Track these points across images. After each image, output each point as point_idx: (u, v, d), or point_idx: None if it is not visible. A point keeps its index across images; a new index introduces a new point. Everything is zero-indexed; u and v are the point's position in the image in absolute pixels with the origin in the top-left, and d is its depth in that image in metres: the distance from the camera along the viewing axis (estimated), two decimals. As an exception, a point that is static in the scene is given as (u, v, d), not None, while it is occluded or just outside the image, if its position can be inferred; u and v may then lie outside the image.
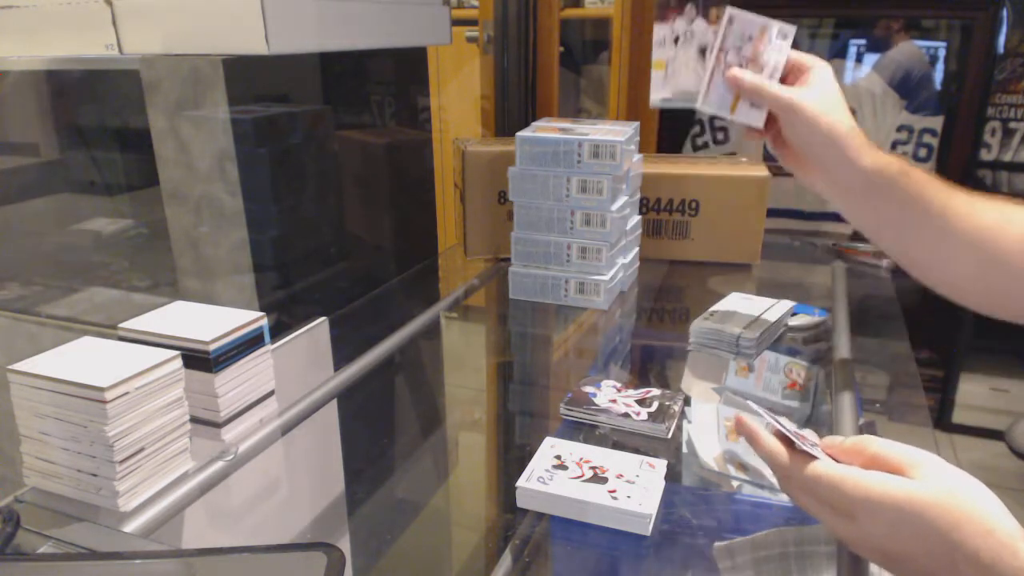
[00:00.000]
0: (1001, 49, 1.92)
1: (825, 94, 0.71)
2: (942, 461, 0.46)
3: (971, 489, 0.45)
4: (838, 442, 0.52)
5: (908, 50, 2.00)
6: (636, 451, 0.71)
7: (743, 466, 0.72)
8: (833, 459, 0.50)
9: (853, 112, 0.71)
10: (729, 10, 0.75)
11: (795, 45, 0.75)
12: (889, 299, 1.15)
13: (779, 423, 0.53)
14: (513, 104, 1.53)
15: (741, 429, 0.55)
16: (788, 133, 0.74)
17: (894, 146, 1.99)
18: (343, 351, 0.94)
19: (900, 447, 0.48)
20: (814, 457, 0.50)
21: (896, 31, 2.00)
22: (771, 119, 0.77)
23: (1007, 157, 1.98)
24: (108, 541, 0.56)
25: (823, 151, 0.70)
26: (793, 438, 0.51)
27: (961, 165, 1.99)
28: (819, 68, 0.73)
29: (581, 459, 0.68)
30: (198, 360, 0.67)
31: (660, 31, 0.79)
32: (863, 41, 2.03)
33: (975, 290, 0.68)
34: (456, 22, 1.21)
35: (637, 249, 1.19)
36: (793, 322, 1.00)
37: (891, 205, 0.69)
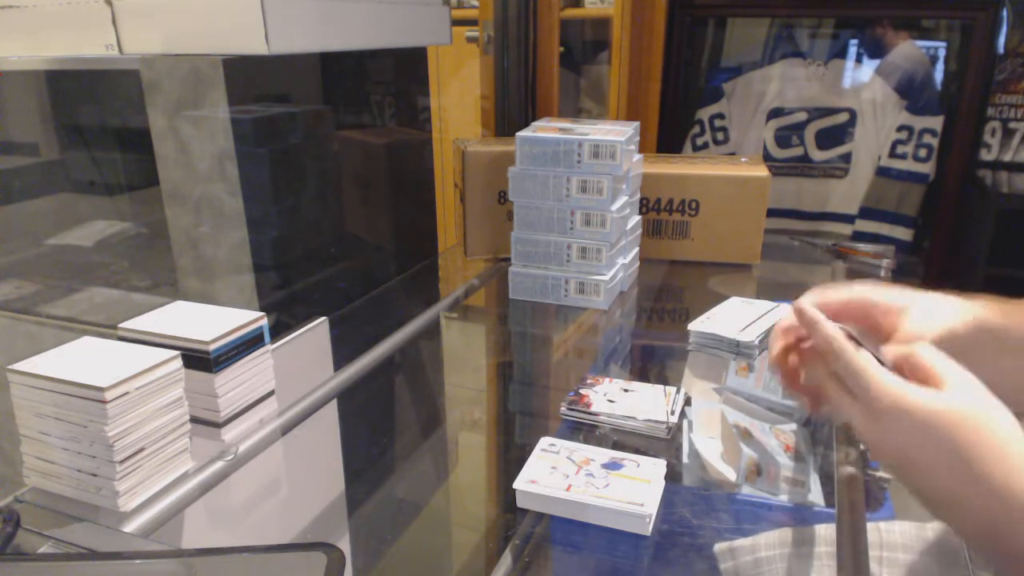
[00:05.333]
0: (1001, 49, 1.92)
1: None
2: (978, 384, 0.47)
3: (996, 414, 0.45)
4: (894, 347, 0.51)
5: (909, 52, 2.00)
6: (636, 451, 0.71)
7: (757, 467, 0.72)
8: (879, 360, 0.50)
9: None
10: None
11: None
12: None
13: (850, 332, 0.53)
14: (513, 104, 1.53)
15: (801, 316, 0.54)
16: None
17: (894, 146, 1.99)
18: (343, 351, 0.94)
19: (946, 362, 0.48)
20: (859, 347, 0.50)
21: (893, 32, 2.00)
22: None
23: (1007, 157, 1.97)
24: (108, 541, 0.56)
25: None
26: (850, 330, 0.52)
27: (961, 165, 1.99)
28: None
29: (581, 459, 0.68)
30: (198, 360, 0.67)
31: None
32: (863, 41, 2.03)
33: None
34: (456, 22, 1.21)
35: (637, 249, 1.19)
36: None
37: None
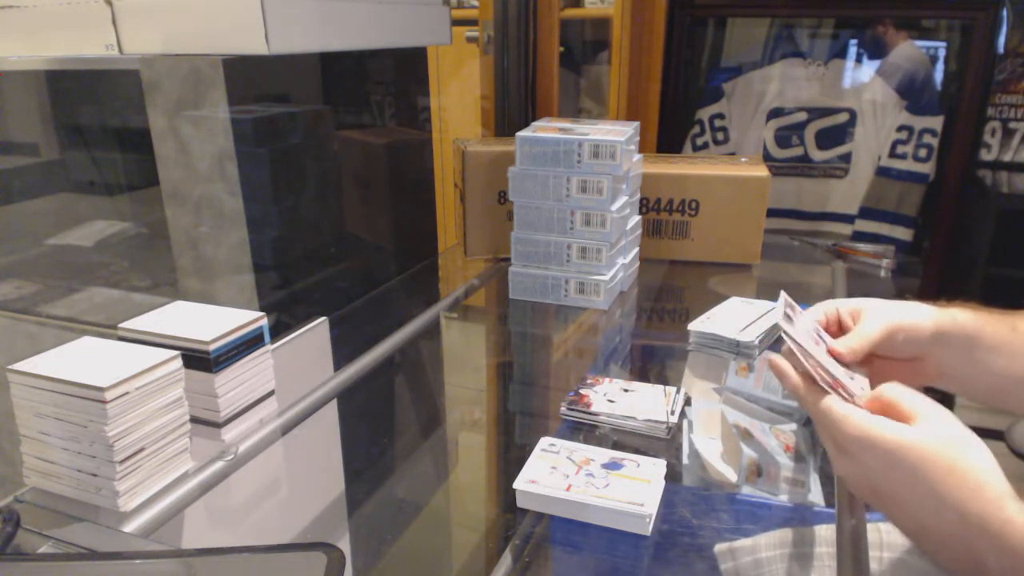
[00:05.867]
0: (1001, 49, 1.92)
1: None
2: (949, 415, 0.47)
3: (967, 444, 0.46)
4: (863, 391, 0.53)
5: (909, 52, 1.99)
6: (636, 451, 0.71)
7: (757, 467, 0.72)
8: (851, 400, 0.51)
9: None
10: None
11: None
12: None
13: (819, 364, 0.54)
14: (513, 104, 1.53)
15: (773, 368, 0.56)
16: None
17: (894, 146, 1.99)
18: (343, 351, 0.94)
19: (914, 397, 0.49)
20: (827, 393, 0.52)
21: (893, 32, 2.00)
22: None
23: (1007, 157, 1.97)
24: (108, 541, 0.56)
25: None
26: (814, 374, 0.53)
27: (961, 165, 1.99)
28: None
29: (581, 459, 0.68)
30: (198, 360, 0.67)
31: None
32: (863, 41, 2.03)
33: None
34: (456, 22, 1.21)
35: (637, 249, 1.19)
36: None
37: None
